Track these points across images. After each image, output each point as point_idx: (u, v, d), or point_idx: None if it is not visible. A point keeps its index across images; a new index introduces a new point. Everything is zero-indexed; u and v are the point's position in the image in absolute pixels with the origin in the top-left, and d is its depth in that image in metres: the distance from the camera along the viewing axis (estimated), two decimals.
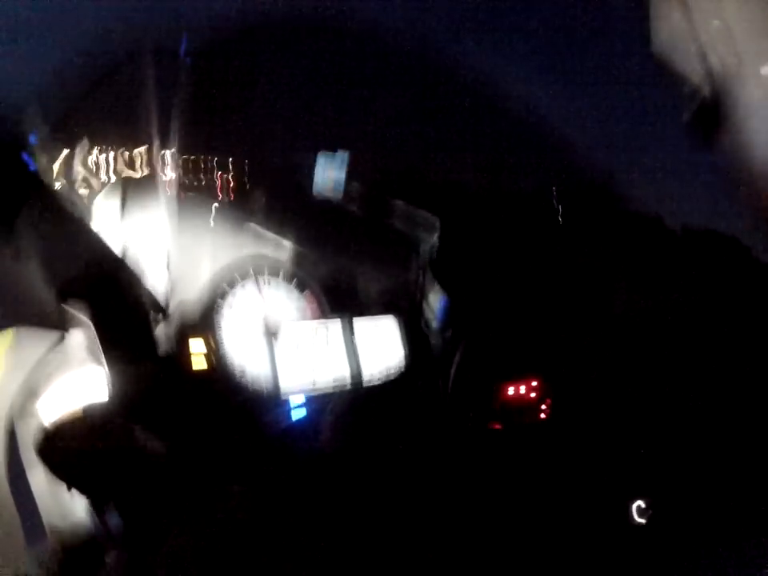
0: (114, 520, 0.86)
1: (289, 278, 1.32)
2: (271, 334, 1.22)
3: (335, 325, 1.30)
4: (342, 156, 1.33)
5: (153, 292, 1.13)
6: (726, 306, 1.44)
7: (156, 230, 1.20)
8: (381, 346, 1.32)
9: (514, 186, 1.54)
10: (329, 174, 1.32)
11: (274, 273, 1.30)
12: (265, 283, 1.29)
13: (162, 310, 1.13)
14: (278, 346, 1.22)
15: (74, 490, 0.87)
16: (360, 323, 1.31)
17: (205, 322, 1.18)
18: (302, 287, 1.32)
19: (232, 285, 1.24)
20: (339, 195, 1.31)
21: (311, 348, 1.25)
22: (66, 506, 0.89)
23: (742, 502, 1.14)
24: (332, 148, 1.38)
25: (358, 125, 1.49)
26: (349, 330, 1.30)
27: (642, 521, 1.16)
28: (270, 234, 1.32)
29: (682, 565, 1.06)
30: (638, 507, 1.16)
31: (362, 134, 1.48)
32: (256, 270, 1.28)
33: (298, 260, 1.34)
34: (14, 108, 1.08)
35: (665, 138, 1.55)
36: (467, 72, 1.50)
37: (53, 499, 0.88)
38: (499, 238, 1.35)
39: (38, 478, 0.88)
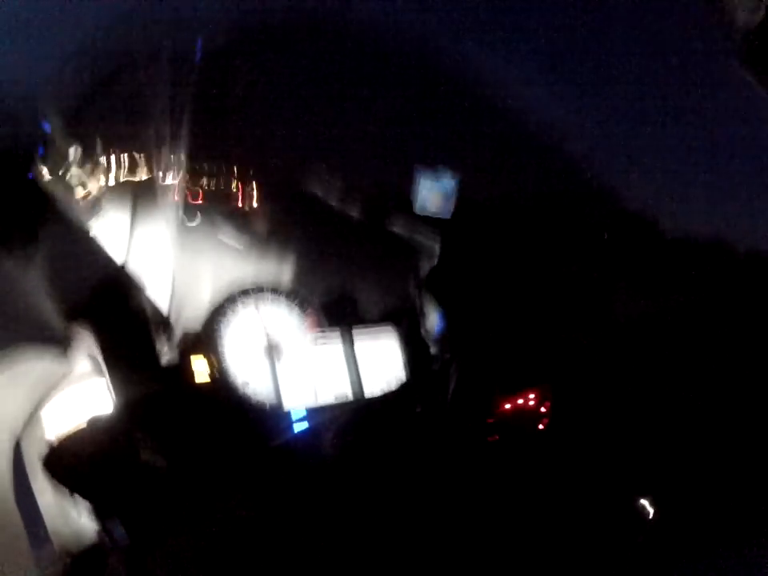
0: (117, 529, 0.88)
1: (289, 296, 1.34)
2: (272, 350, 1.24)
3: (336, 341, 1.32)
4: (447, 180, 1.29)
5: (155, 308, 1.15)
6: (728, 309, 1.44)
7: (159, 247, 1.22)
8: (381, 361, 1.34)
9: (512, 192, 1.53)
10: (432, 200, 1.31)
11: (276, 293, 1.32)
12: (266, 303, 1.31)
13: (164, 327, 1.16)
14: (280, 362, 1.24)
15: (77, 500, 0.91)
16: (360, 339, 1.33)
17: (207, 338, 1.20)
18: (302, 305, 1.34)
19: (233, 302, 1.27)
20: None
21: (312, 365, 1.28)
22: (70, 516, 0.91)
23: (743, 502, 1.14)
24: (332, 151, 1.38)
25: (357, 125, 1.49)
26: (349, 347, 1.31)
27: (642, 522, 1.16)
28: (272, 251, 1.34)
29: (682, 565, 1.07)
30: (638, 508, 1.17)
31: (362, 134, 1.48)
32: (257, 291, 1.30)
33: (299, 278, 1.35)
34: (20, 121, 1.07)
35: (665, 138, 1.54)
36: (467, 72, 1.49)
37: (57, 509, 0.91)
38: (496, 248, 1.36)
39: (43, 488, 0.91)
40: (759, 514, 1.13)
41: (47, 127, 1.13)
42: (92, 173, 1.22)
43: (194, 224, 1.25)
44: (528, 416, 1.20)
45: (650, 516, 1.16)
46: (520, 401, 1.18)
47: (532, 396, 1.20)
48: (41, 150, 1.11)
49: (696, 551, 1.09)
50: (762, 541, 1.09)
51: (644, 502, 1.17)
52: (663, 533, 1.14)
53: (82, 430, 0.97)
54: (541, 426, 1.22)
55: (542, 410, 1.21)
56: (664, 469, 1.21)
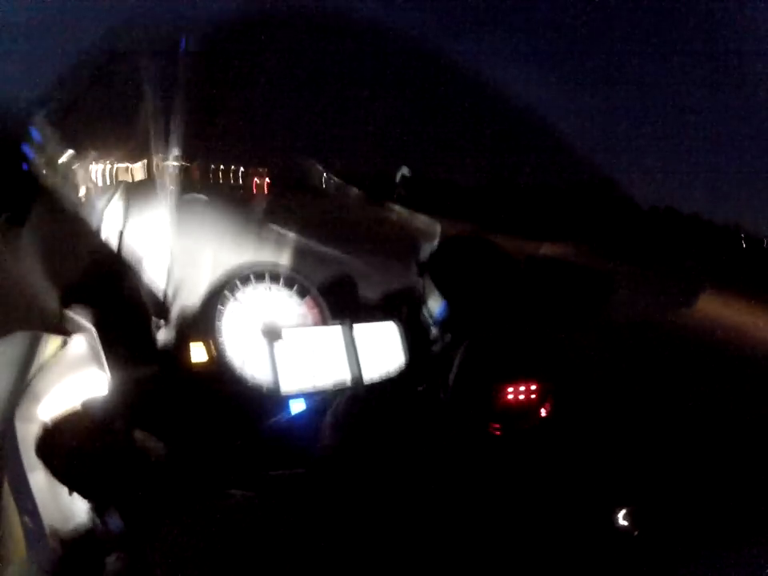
0: (114, 522, 0.88)
1: (289, 284, 1.33)
2: (272, 339, 1.23)
3: (336, 330, 1.30)
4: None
5: (154, 297, 1.14)
6: (729, 306, 1.44)
7: (157, 235, 1.21)
8: (381, 351, 1.33)
9: (513, 186, 1.54)
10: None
11: (275, 278, 1.31)
12: (266, 289, 1.30)
13: (163, 315, 1.15)
14: (279, 351, 1.23)
15: (74, 493, 0.89)
16: (360, 328, 1.32)
17: (206, 327, 1.19)
18: (302, 293, 1.33)
19: (233, 290, 1.25)
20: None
21: (312, 353, 1.26)
22: (67, 508, 0.90)
23: (743, 503, 1.14)
24: (332, 148, 1.39)
25: (358, 125, 1.50)
26: (349, 335, 1.30)
27: (642, 521, 1.15)
28: (271, 240, 1.33)
29: (682, 565, 1.06)
30: (638, 508, 1.16)
31: (362, 133, 1.48)
32: (257, 276, 1.29)
33: (299, 266, 1.35)
34: (15, 109, 1.08)
35: (665, 138, 1.55)
36: (467, 72, 1.50)
37: (53, 501, 0.90)
38: (498, 240, 1.35)
39: (39, 480, 0.89)
40: (759, 514, 1.13)
41: (43, 120, 1.12)
42: (91, 163, 1.22)
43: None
44: (529, 407, 1.19)
45: (650, 517, 1.15)
46: (522, 389, 1.16)
47: (534, 387, 1.18)
48: (37, 142, 1.10)
49: (696, 551, 1.07)
50: (762, 541, 1.08)
51: (643, 502, 1.16)
52: (662, 532, 1.13)
53: (77, 413, 0.95)
54: (542, 418, 1.20)
55: (543, 401, 1.20)
56: (664, 469, 1.20)
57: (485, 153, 1.54)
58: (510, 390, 1.15)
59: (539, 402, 1.19)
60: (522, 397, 1.17)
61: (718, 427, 1.26)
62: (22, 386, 0.96)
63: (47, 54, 1.21)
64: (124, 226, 1.17)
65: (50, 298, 0.98)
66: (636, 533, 1.14)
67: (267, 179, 1.38)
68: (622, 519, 1.15)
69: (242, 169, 1.42)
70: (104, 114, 1.29)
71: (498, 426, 1.14)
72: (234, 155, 1.42)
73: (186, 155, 1.30)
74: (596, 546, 1.07)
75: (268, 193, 1.35)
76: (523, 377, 1.17)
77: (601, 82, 1.60)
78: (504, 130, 1.54)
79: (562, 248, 1.39)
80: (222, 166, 1.41)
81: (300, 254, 1.36)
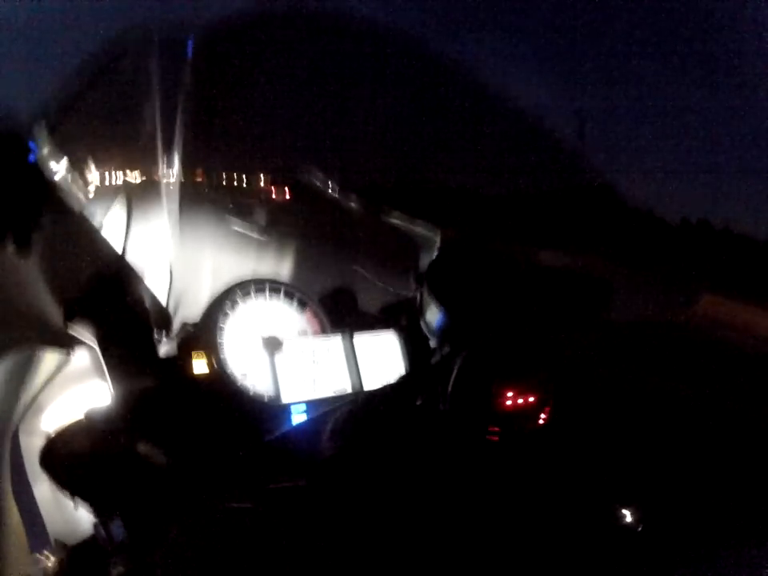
0: (117, 530, 0.89)
1: (289, 296, 1.33)
2: (273, 351, 1.24)
3: (336, 340, 1.31)
4: None
5: (156, 309, 1.15)
6: (729, 306, 1.44)
7: (159, 245, 1.22)
8: (381, 360, 1.33)
9: (512, 190, 1.53)
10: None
11: (275, 291, 1.32)
12: (266, 301, 1.30)
13: (165, 327, 1.15)
14: (280, 363, 1.23)
15: (77, 500, 0.90)
16: (360, 338, 1.32)
17: (207, 339, 1.19)
18: (302, 304, 1.34)
19: (234, 303, 1.26)
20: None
21: (313, 364, 1.27)
22: (71, 518, 0.91)
23: (743, 503, 1.14)
24: (332, 150, 1.39)
25: (358, 125, 1.50)
26: (349, 345, 1.31)
27: (642, 522, 1.16)
28: (271, 250, 1.33)
29: (682, 565, 1.06)
30: (637, 509, 1.17)
31: (362, 134, 1.48)
32: (257, 289, 1.29)
33: (299, 277, 1.35)
34: (16, 113, 1.07)
35: (665, 138, 1.55)
36: (467, 72, 1.50)
37: (57, 511, 0.91)
38: (497, 247, 1.35)
39: (43, 491, 0.90)
40: (759, 514, 1.13)
41: (47, 126, 1.12)
42: (89, 164, 1.22)
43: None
44: (528, 413, 1.19)
45: (650, 517, 1.16)
46: (520, 399, 1.16)
47: (532, 396, 1.18)
48: (40, 150, 1.10)
49: (696, 551, 1.08)
50: (762, 541, 1.08)
51: (643, 503, 1.17)
52: (661, 534, 1.14)
53: (80, 423, 0.96)
54: (541, 423, 1.20)
55: (543, 407, 1.20)
56: (664, 468, 1.20)
57: (485, 156, 1.53)
58: (509, 396, 1.15)
59: (538, 408, 1.19)
60: (520, 402, 1.17)
61: (718, 427, 1.26)
62: (26, 399, 0.97)
63: (48, 56, 1.21)
64: (126, 236, 1.17)
65: (52, 312, 0.99)
66: (637, 531, 1.15)
67: (270, 185, 1.38)
68: (622, 519, 1.15)
69: (244, 175, 1.43)
70: (105, 117, 1.29)
71: (497, 432, 1.14)
72: (236, 160, 1.42)
73: (188, 160, 1.30)
74: (596, 546, 1.07)
75: (270, 199, 1.36)
76: (522, 385, 1.17)
77: (601, 82, 1.59)
78: (504, 132, 1.53)
79: (562, 255, 1.39)
80: (224, 172, 1.41)
81: (300, 264, 1.37)
